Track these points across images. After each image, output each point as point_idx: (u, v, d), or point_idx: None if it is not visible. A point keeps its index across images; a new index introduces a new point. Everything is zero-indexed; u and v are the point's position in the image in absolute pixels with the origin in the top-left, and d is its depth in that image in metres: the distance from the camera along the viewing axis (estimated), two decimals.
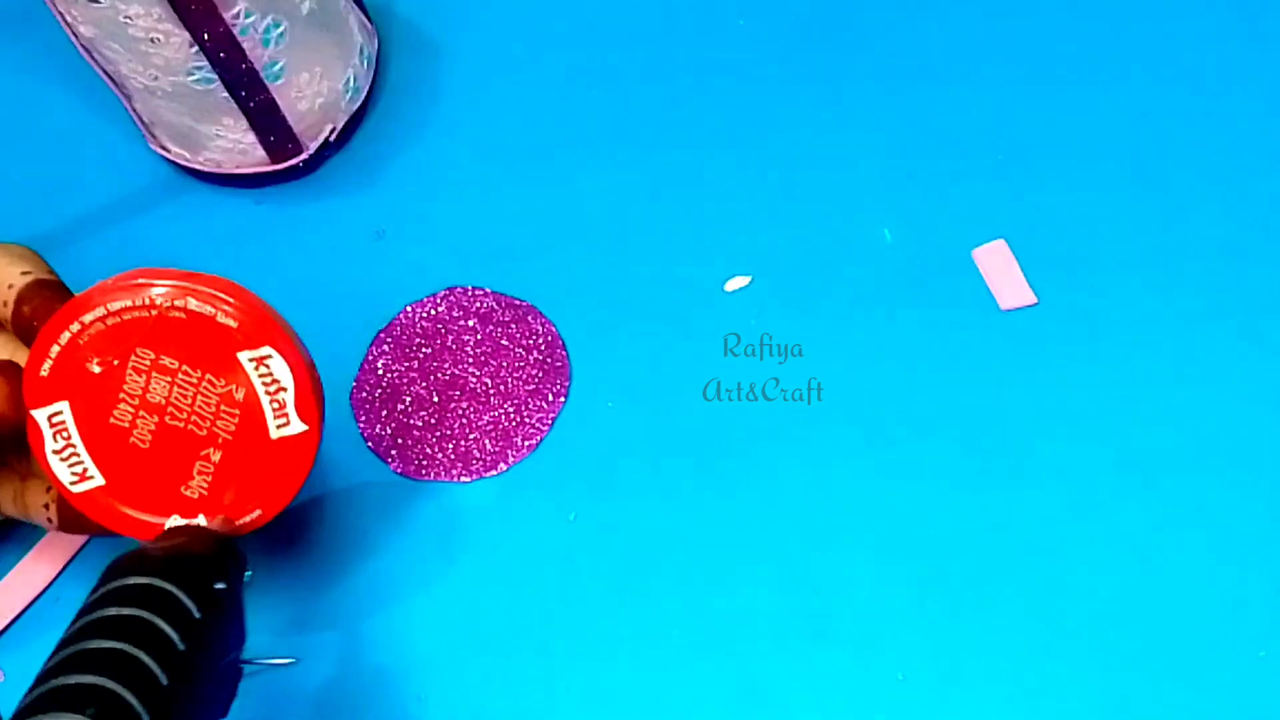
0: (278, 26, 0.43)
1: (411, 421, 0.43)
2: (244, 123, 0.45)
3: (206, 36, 0.41)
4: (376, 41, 0.50)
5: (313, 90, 0.46)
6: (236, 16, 0.42)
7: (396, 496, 0.42)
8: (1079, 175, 0.45)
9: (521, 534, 0.41)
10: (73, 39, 0.43)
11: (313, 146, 0.47)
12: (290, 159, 0.47)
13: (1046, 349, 0.42)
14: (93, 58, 0.44)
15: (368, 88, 0.49)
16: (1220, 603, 0.37)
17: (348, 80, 0.47)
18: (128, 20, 0.41)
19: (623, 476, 0.41)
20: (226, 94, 0.44)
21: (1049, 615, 0.38)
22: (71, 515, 0.36)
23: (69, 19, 0.42)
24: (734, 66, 0.49)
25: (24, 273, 0.35)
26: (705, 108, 0.49)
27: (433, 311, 0.45)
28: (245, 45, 0.43)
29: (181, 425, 0.33)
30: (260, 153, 0.46)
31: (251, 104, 0.44)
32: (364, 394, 0.43)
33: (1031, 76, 0.48)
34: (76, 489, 0.34)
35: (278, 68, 0.44)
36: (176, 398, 0.33)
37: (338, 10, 0.46)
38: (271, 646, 0.39)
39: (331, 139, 0.48)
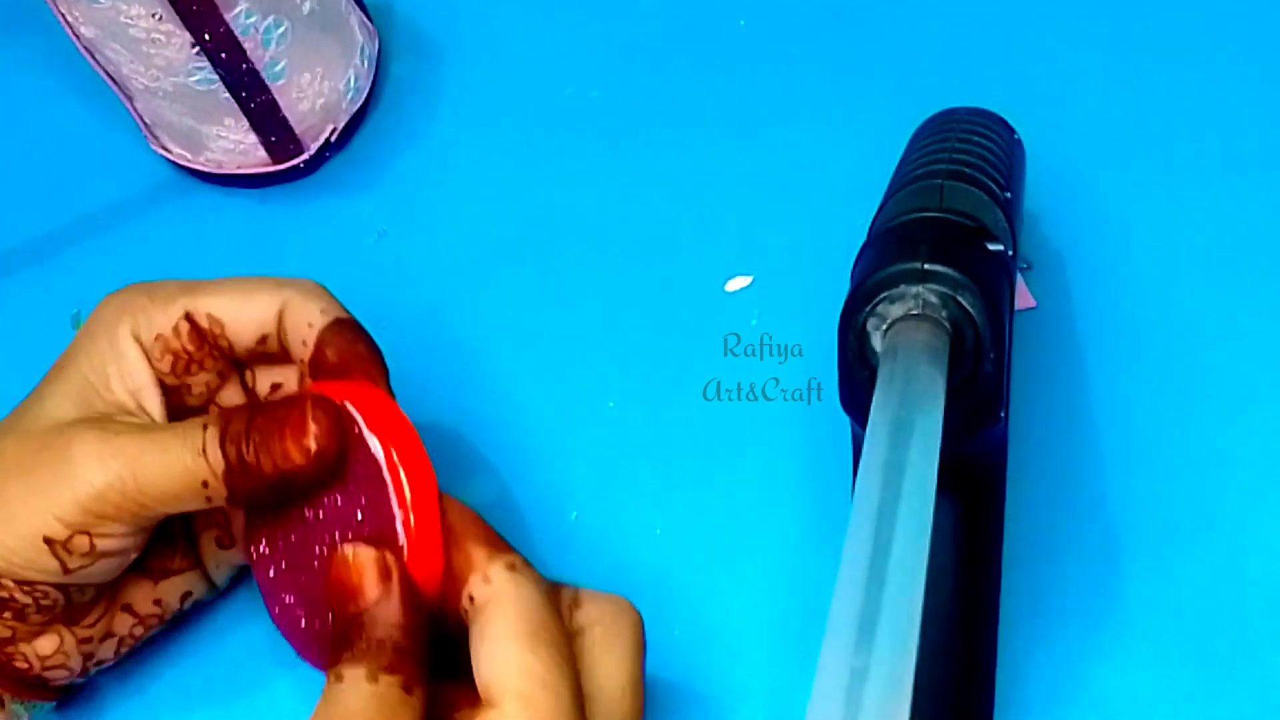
0: (279, 27, 0.43)
1: None
2: (245, 123, 0.45)
3: (208, 37, 0.42)
4: (377, 42, 0.50)
5: (314, 91, 0.46)
6: (237, 17, 0.42)
7: None
8: (1076, 177, 0.45)
9: (522, 533, 0.41)
10: (74, 40, 0.43)
11: (314, 147, 0.47)
12: (291, 159, 0.47)
13: (1043, 351, 0.42)
14: (94, 58, 0.44)
15: (368, 88, 0.49)
16: (1224, 609, 0.38)
17: (349, 80, 0.47)
18: (129, 21, 0.41)
19: (623, 476, 0.41)
20: (228, 94, 0.44)
21: (1038, 619, 0.38)
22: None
23: (70, 20, 0.42)
24: (735, 66, 0.50)
25: (322, 310, 0.34)
26: (706, 108, 0.49)
27: None
28: (246, 46, 0.43)
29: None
30: (261, 153, 0.47)
31: (253, 105, 0.44)
32: None
33: (1029, 76, 0.48)
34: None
35: (279, 68, 0.44)
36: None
37: (339, 10, 0.47)
38: (266, 645, 0.39)
39: (333, 139, 0.48)
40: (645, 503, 0.41)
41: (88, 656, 0.35)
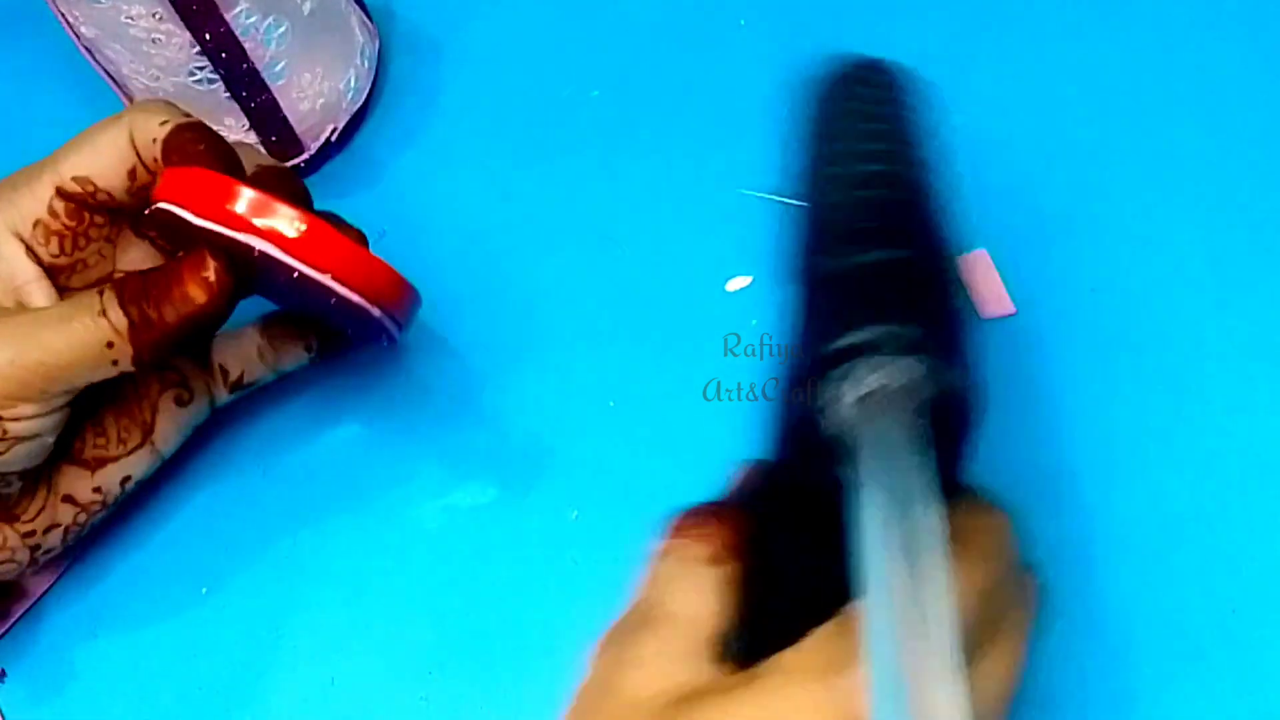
0: (279, 26, 0.43)
1: None
2: (246, 123, 0.45)
3: (208, 37, 0.42)
4: (377, 42, 0.50)
5: (314, 90, 0.46)
6: (238, 17, 0.42)
7: (394, 497, 0.42)
8: (1061, 186, 0.45)
9: (523, 532, 0.41)
10: (74, 40, 0.43)
11: (314, 147, 0.47)
12: (292, 159, 0.47)
13: (1023, 358, 0.42)
14: (94, 58, 0.44)
15: (368, 88, 0.49)
16: (1224, 609, 0.38)
17: (349, 80, 0.47)
18: (129, 21, 0.41)
19: (623, 476, 0.41)
20: (228, 94, 0.44)
21: (1037, 619, 0.38)
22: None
23: (70, 20, 0.42)
24: (735, 66, 0.50)
25: (162, 122, 0.35)
26: (706, 107, 0.49)
27: None
28: (247, 46, 0.43)
29: None
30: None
31: (253, 104, 0.44)
32: None
33: (1021, 80, 0.48)
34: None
35: (279, 68, 0.44)
36: None
37: (339, 10, 0.47)
38: (265, 642, 0.39)
39: (333, 139, 0.48)
40: (645, 503, 0.41)
41: (35, 548, 0.36)
